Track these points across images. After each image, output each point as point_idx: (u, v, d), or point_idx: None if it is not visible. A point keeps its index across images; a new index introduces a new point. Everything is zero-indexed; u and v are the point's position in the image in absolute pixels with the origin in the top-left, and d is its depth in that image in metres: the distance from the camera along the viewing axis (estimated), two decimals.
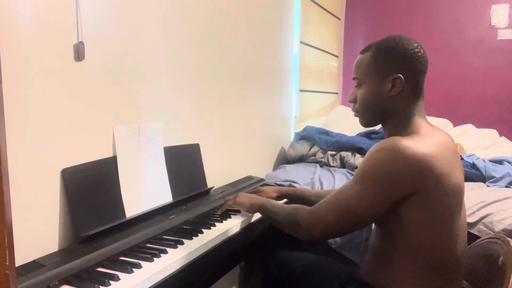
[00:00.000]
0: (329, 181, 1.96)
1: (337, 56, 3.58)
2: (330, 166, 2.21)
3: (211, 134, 1.72)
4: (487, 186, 1.85)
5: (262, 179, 1.92)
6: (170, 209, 1.34)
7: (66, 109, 1.06)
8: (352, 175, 2.01)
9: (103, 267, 0.94)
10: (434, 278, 0.98)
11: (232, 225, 1.26)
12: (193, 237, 1.13)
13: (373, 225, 1.09)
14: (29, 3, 0.95)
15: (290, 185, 1.88)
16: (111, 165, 1.19)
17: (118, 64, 1.21)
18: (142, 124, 1.30)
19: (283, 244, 1.40)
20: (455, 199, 0.98)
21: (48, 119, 1.01)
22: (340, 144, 2.21)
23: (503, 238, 1.06)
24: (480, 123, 2.86)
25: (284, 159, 2.47)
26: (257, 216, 1.37)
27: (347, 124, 2.58)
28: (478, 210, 1.56)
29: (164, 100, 1.43)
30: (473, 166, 1.97)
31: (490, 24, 3.06)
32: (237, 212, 1.38)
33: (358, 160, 2.13)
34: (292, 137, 2.57)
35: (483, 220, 1.53)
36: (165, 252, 1.02)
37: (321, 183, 1.93)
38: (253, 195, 1.34)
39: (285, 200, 1.51)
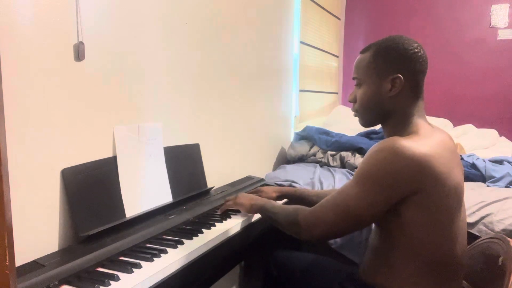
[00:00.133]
0: (329, 181, 1.96)
1: (337, 56, 3.58)
2: (330, 166, 2.21)
3: (211, 134, 1.72)
4: (487, 186, 1.85)
5: (262, 179, 1.92)
6: (170, 209, 1.34)
7: (66, 109, 1.06)
8: (352, 175, 2.01)
9: (103, 267, 0.94)
10: (434, 278, 0.98)
11: (232, 225, 1.26)
12: (193, 237, 1.13)
13: (373, 225, 1.10)
14: (29, 3, 0.95)
15: (290, 185, 1.88)
16: (111, 165, 1.19)
17: (118, 64, 1.21)
18: (142, 124, 1.30)
19: (283, 244, 1.40)
20: (455, 199, 0.98)
21: (48, 119, 1.01)
22: (340, 144, 2.21)
23: (503, 238, 1.06)
24: (480, 123, 2.86)
25: (284, 159, 2.47)
26: (257, 216, 1.37)
27: (347, 124, 2.57)
28: (478, 210, 1.56)
29: (164, 100, 1.43)
30: (473, 166, 1.97)
31: (490, 24, 3.06)
32: (237, 212, 1.38)
33: (358, 160, 2.13)
34: (292, 137, 2.57)
35: (483, 220, 1.53)
36: (165, 252, 1.02)
37: (321, 183, 1.93)
38: (254, 196, 1.34)
39: (285, 200, 1.51)
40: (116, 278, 0.86)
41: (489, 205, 1.57)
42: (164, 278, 0.93)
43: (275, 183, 1.90)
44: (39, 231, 1.01)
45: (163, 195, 1.36)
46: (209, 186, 1.59)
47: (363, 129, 2.39)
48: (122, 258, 0.99)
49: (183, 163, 1.48)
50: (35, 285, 0.82)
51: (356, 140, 2.22)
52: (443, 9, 3.20)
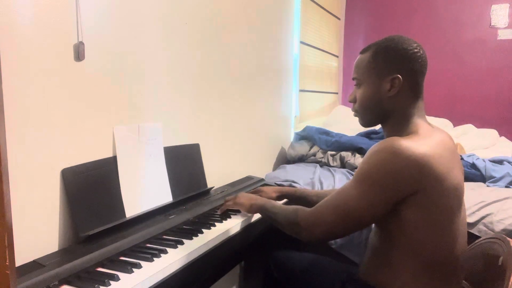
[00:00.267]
0: (329, 181, 1.96)
1: (337, 56, 3.58)
2: (330, 166, 2.21)
3: (211, 134, 1.72)
4: (487, 186, 1.85)
5: (262, 179, 1.92)
6: (170, 209, 1.34)
7: (66, 109, 1.06)
8: (352, 175, 2.01)
9: (103, 267, 0.94)
10: (434, 278, 0.98)
11: (232, 225, 1.26)
12: (193, 237, 1.13)
13: (373, 225, 1.09)
14: (29, 3, 0.95)
15: (290, 185, 1.88)
16: (111, 165, 1.19)
17: (118, 64, 1.21)
18: (142, 124, 1.30)
19: (283, 244, 1.40)
20: (455, 199, 0.98)
21: (48, 119, 1.01)
22: (340, 144, 2.21)
23: (503, 238, 1.06)
24: (480, 123, 2.86)
25: (284, 159, 2.47)
26: (257, 216, 1.37)
27: (347, 124, 2.57)
28: (478, 210, 1.56)
29: (164, 100, 1.43)
30: (473, 166, 1.97)
31: (490, 24, 3.06)
32: (237, 212, 1.38)
33: (358, 160, 2.13)
34: (292, 137, 2.57)
35: (483, 220, 1.53)
36: (165, 252, 1.02)
37: (321, 183, 1.93)
38: (253, 196, 1.34)
39: (285, 200, 1.51)
40: (116, 278, 0.86)
41: (489, 205, 1.57)
42: (164, 278, 0.93)
43: (275, 183, 1.90)
44: (39, 231, 1.01)
45: (163, 195, 1.36)
46: (209, 186, 1.59)
47: (363, 129, 2.39)
48: (122, 258, 0.99)
49: (183, 163, 1.48)
50: (35, 285, 0.82)
51: (356, 140, 2.22)
52: (443, 9, 3.20)
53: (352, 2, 3.57)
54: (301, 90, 2.74)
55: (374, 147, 0.99)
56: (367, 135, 2.35)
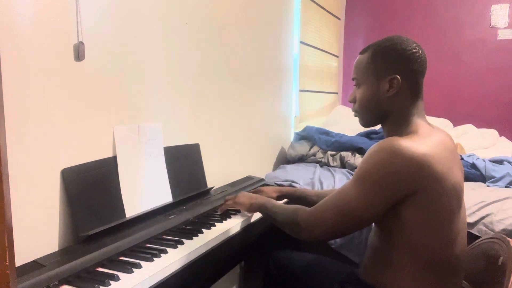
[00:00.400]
0: (329, 181, 1.96)
1: (337, 56, 3.58)
2: (330, 166, 2.21)
3: (211, 134, 1.72)
4: (487, 186, 1.85)
5: (262, 179, 1.92)
6: (170, 209, 1.34)
7: (66, 109, 1.06)
8: (352, 175, 2.01)
9: (103, 267, 0.94)
10: (434, 277, 0.98)
11: (232, 225, 1.26)
12: (193, 237, 1.13)
13: (373, 225, 1.09)
14: (29, 3, 0.95)
15: (290, 185, 1.88)
16: (111, 165, 1.19)
17: (118, 64, 1.21)
18: (142, 124, 1.30)
19: (283, 244, 1.40)
20: (455, 198, 0.98)
21: (48, 119, 1.01)
22: (340, 144, 2.21)
23: (503, 238, 1.06)
24: (480, 123, 2.86)
25: (284, 159, 2.47)
26: (257, 216, 1.37)
27: (347, 124, 2.57)
28: (478, 210, 1.56)
29: (164, 100, 1.43)
30: (473, 166, 1.97)
31: (490, 24, 3.06)
32: (237, 212, 1.38)
33: (358, 160, 2.13)
34: (292, 137, 2.57)
35: (483, 220, 1.53)
36: (165, 252, 1.02)
37: (321, 183, 1.93)
38: (254, 195, 1.34)
39: (285, 200, 1.51)
40: (116, 278, 0.86)
41: (489, 205, 1.57)
42: (164, 278, 0.93)
43: (275, 183, 1.90)
44: (39, 231, 1.01)
45: (163, 195, 1.36)
46: (209, 186, 1.59)
47: (363, 129, 2.39)
48: (122, 258, 0.99)
49: (183, 163, 1.48)
50: (35, 285, 0.82)
51: (356, 140, 2.22)
52: (443, 9, 3.20)
53: (352, 2, 3.57)
54: (301, 90, 2.74)
55: (373, 147, 0.99)
56: (367, 135, 2.36)
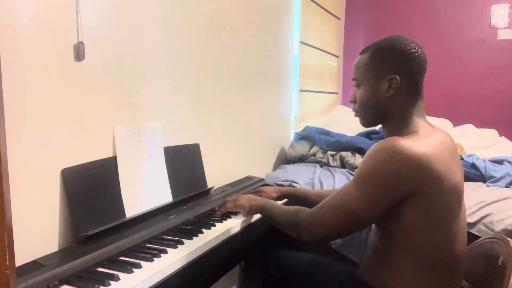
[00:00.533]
0: (329, 181, 1.96)
1: (337, 56, 3.58)
2: (330, 166, 2.21)
3: (211, 134, 1.72)
4: (487, 186, 1.85)
5: (262, 179, 1.92)
6: (170, 209, 1.34)
7: (66, 109, 1.06)
8: (352, 175, 2.01)
9: (103, 267, 0.94)
10: (434, 277, 0.98)
11: (232, 225, 1.26)
12: (193, 237, 1.13)
13: (373, 225, 1.10)
14: (29, 3, 0.95)
15: (290, 185, 1.88)
16: (111, 165, 1.19)
17: (118, 64, 1.21)
18: (142, 124, 1.30)
19: (283, 244, 1.40)
20: (455, 198, 0.98)
21: (48, 119, 1.01)
22: (340, 144, 2.21)
23: (503, 238, 1.06)
24: (480, 123, 2.86)
25: (284, 159, 2.47)
26: (257, 216, 1.37)
27: (347, 124, 2.57)
28: (478, 210, 1.56)
29: (164, 100, 1.43)
30: (473, 166, 1.97)
31: (490, 24, 3.06)
32: (237, 212, 1.38)
33: (358, 160, 2.13)
34: (292, 137, 2.57)
35: (483, 220, 1.53)
36: (165, 252, 1.02)
37: (321, 183, 1.93)
38: (253, 196, 1.34)
39: (285, 200, 1.51)
40: (116, 278, 0.86)
41: (489, 205, 1.57)
42: (164, 278, 0.93)
43: (275, 183, 1.90)
44: (39, 231, 1.01)
45: (163, 195, 1.36)
46: (209, 186, 1.59)
47: (363, 129, 2.39)
48: (122, 258, 0.99)
49: (183, 163, 1.48)
50: (35, 285, 0.82)
51: (356, 140, 2.22)
52: (443, 9, 3.20)
53: (352, 2, 3.57)
54: (301, 90, 2.74)
55: (374, 147, 0.99)
56: (367, 135, 2.36)
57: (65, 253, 0.99)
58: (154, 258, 0.97)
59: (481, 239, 1.18)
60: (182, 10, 1.48)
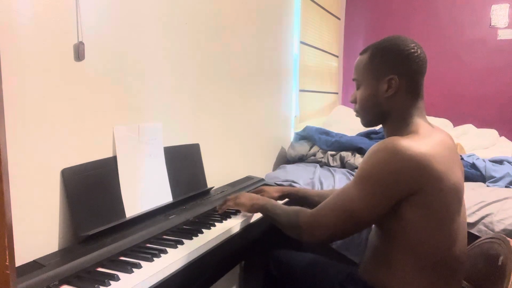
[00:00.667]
0: (329, 181, 1.96)
1: (337, 56, 3.58)
2: (330, 166, 2.21)
3: (211, 134, 1.72)
4: (487, 186, 1.85)
5: (262, 179, 1.92)
6: (170, 209, 1.34)
7: (66, 109, 1.06)
8: (352, 175, 2.01)
9: (103, 267, 0.94)
10: (434, 277, 0.98)
11: (232, 225, 1.26)
12: (193, 237, 1.13)
13: (373, 225, 1.09)
14: (29, 3, 0.95)
15: (290, 185, 1.88)
16: (111, 165, 1.19)
17: (118, 64, 1.21)
18: (142, 124, 1.30)
19: (283, 244, 1.40)
20: (455, 198, 0.98)
21: (48, 119, 1.01)
22: (340, 144, 2.21)
23: (503, 238, 1.06)
24: (480, 123, 2.86)
25: (284, 159, 2.47)
26: (257, 216, 1.37)
27: (347, 124, 2.58)
28: (478, 210, 1.56)
29: (164, 100, 1.43)
30: (473, 166, 1.97)
31: (490, 24, 3.06)
32: (237, 211, 1.38)
33: (358, 160, 2.13)
34: (292, 137, 2.57)
35: (483, 220, 1.53)
36: (165, 252, 1.02)
37: (321, 183, 1.93)
38: (254, 195, 1.34)
39: (286, 200, 1.51)
40: (116, 278, 0.86)
41: (489, 205, 1.57)
42: (164, 278, 0.93)
43: (275, 183, 1.90)
44: (39, 231, 1.01)
45: (163, 195, 1.36)
46: (209, 186, 1.59)
47: (363, 129, 2.40)
48: (122, 258, 0.99)
49: (183, 163, 1.48)
50: (35, 285, 0.82)
51: (356, 140, 2.22)
52: (443, 9, 3.20)
53: (352, 2, 3.57)
54: (301, 90, 2.74)
55: (374, 147, 0.98)
56: (367, 135, 2.36)
57: (65, 253, 0.99)
58: (154, 258, 0.97)
59: (481, 239, 1.18)
60: (182, 10, 1.48)
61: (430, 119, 1.12)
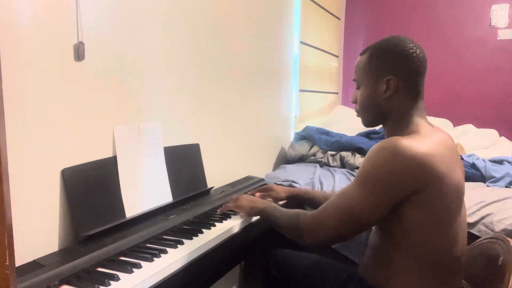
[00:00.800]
0: (329, 181, 1.96)
1: (337, 56, 3.58)
2: (330, 166, 2.21)
3: (211, 134, 1.72)
4: (487, 186, 1.85)
5: (262, 179, 1.92)
6: (170, 209, 1.34)
7: (66, 109, 1.06)
8: (352, 175, 2.01)
9: (103, 267, 0.94)
10: (434, 277, 0.98)
11: (232, 225, 1.26)
12: (193, 237, 1.13)
13: None
14: (29, 3, 0.95)
15: (290, 185, 1.88)
16: (111, 165, 1.19)
17: (118, 64, 1.21)
18: (142, 124, 1.30)
19: (283, 244, 1.40)
20: (455, 198, 0.98)
21: (48, 119, 1.01)
22: (340, 144, 2.21)
23: (503, 238, 1.06)
24: (480, 123, 2.86)
25: (284, 159, 2.47)
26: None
27: (347, 124, 2.58)
28: (478, 210, 1.56)
29: (164, 100, 1.43)
30: (473, 166, 1.97)
31: (490, 24, 3.06)
32: (237, 212, 1.38)
33: (358, 160, 2.13)
34: (292, 137, 2.57)
35: (483, 220, 1.53)
36: (165, 252, 1.02)
37: (321, 183, 1.93)
38: (254, 198, 1.34)
39: (284, 202, 1.50)
40: (116, 278, 0.86)
41: (489, 205, 1.57)
42: (164, 278, 0.93)
43: (275, 183, 1.90)
44: (39, 231, 1.01)
45: (163, 195, 1.36)
46: (209, 186, 1.59)
47: (363, 129, 2.40)
48: (122, 258, 0.99)
49: (183, 163, 1.48)
50: (35, 285, 0.82)
51: (356, 140, 2.22)
52: (443, 9, 3.20)
53: (352, 2, 3.57)
54: (301, 90, 2.74)
55: (375, 147, 0.98)
56: (367, 135, 2.36)
57: (65, 253, 0.99)
58: (154, 258, 0.97)
59: (481, 239, 1.18)
60: (182, 10, 1.48)
61: (430, 119, 1.12)
